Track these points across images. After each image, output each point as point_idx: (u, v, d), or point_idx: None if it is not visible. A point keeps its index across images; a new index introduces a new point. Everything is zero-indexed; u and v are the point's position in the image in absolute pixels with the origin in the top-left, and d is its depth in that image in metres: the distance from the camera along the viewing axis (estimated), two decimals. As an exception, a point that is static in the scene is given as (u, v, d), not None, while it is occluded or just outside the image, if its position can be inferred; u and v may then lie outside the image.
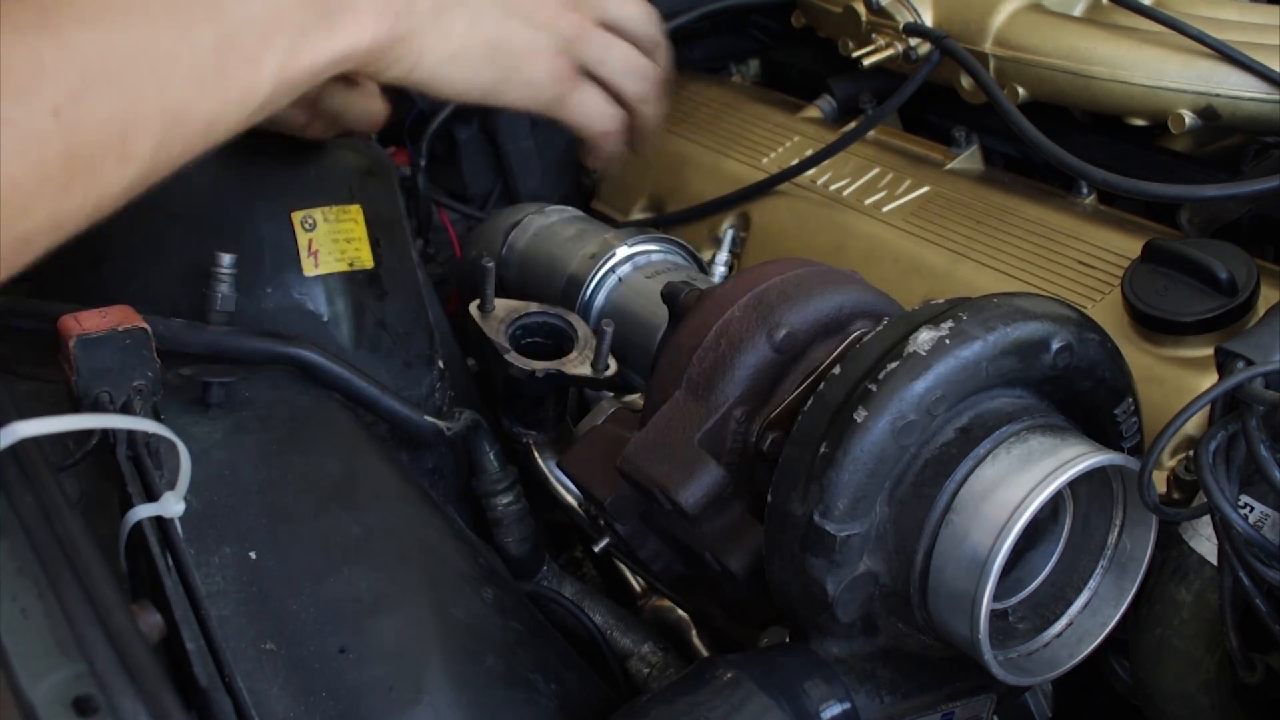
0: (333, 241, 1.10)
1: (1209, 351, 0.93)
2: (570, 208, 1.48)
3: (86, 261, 1.01)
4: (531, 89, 0.89)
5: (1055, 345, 0.82)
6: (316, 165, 1.11)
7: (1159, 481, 0.97)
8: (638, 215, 1.59)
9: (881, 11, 1.42)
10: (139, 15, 0.60)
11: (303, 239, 1.08)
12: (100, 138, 0.58)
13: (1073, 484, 0.82)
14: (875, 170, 1.42)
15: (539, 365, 1.17)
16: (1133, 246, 1.13)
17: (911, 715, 0.87)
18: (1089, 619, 0.87)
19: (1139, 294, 1.03)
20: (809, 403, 0.84)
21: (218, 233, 1.05)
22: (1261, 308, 1.01)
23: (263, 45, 0.66)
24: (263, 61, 0.66)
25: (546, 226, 1.41)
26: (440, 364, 1.19)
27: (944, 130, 1.46)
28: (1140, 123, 1.24)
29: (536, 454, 1.27)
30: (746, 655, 0.85)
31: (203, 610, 0.72)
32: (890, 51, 1.43)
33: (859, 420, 0.79)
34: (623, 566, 1.28)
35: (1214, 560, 0.84)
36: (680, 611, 1.19)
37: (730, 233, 1.46)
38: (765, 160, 1.52)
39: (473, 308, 1.19)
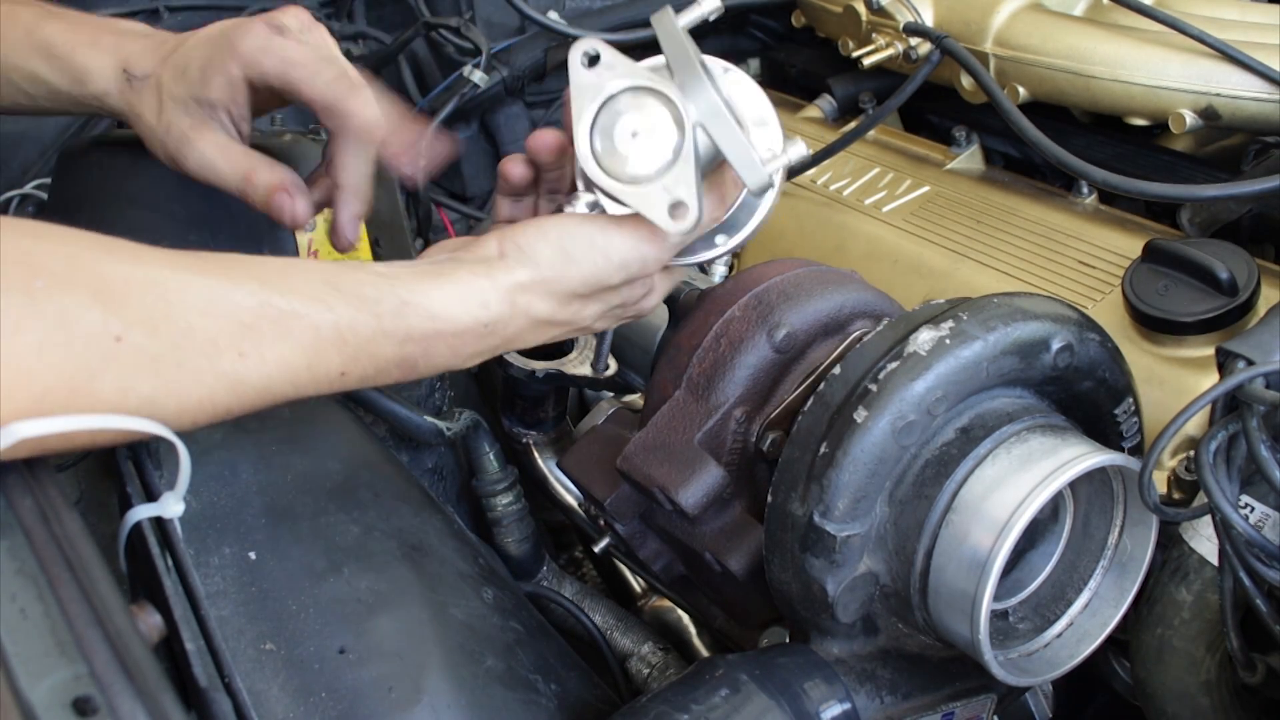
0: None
1: (1209, 351, 0.93)
2: (570, 208, 1.48)
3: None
4: None
5: (1055, 345, 0.82)
6: (316, 165, 1.10)
7: (1159, 481, 0.97)
8: (638, 215, 1.59)
9: (882, 11, 1.42)
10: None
11: (302, 239, 1.08)
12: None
13: (1073, 484, 0.82)
14: (875, 170, 1.42)
15: (539, 365, 1.17)
16: (1133, 246, 1.13)
17: (912, 715, 0.86)
18: (1089, 619, 0.87)
19: (1139, 294, 1.03)
20: (809, 403, 0.83)
21: (217, 233, 1.05)
22: (1262, 308, 1.01)
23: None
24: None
25: (546, 226, 1.41)
26: (440, 364, 1.18)
27: (944, 130, 1.46)
28: (1141, 122, 1.24)
29: (536, 454, 1.27)
30: (746, 655, 0.85)
31: (202, 611, 0.71)
32: (890, 51, 1.43)
33: (859, 420, 0.79)
34: (623, 566, 1.28)
35: (1214, 560, 0.84)
36: (680, 612, 1.19)
37: (730, 233, 1.45)
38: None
39: (473, 308, 1.19)
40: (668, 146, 0.80)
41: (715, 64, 0.84)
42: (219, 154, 0.93)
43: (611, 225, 0.82)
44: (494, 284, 0.80)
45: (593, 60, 0.81)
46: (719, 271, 1.42)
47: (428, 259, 0.84)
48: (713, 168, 0.84)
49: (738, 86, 0.86)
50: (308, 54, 0.91)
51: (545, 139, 0.89)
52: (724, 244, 0.89)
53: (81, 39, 0.94)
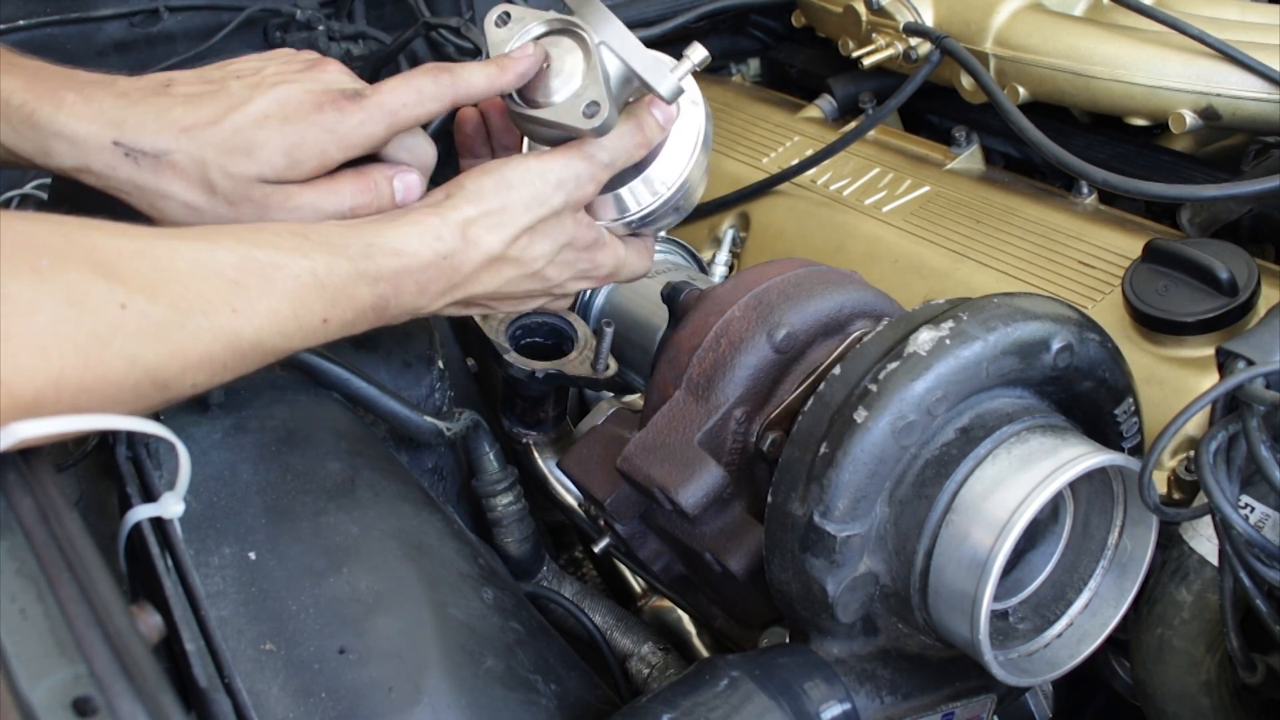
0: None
1: (1209, 351, 0.93)
2: (570, 208, 1.48)
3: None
4: None
5: (1056, 345, 0.82)
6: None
7: (1159, 482, 0.97)
8: (638, 215, 1.59)
9: (882, 11, 1.42)
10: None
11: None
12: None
13: (1073, 484, 0.82)
14: (875, 170, 1.42)
15: (539, 365, 1.17)
16: (1133, 246, 1.13)
17: (912, 715, 0.86)
18: (1089, 619, 0.87)
19: (1140, 294, 1.03)
20: (809, 403, 0.83)
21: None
22: (1262, 308, 1.01)
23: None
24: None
25: (546, 226, 1.41)
26: (440, 364, 1.18)
27: (944, 130, 1.46)
28: (1141, 122, 1.24)
29: (536, 454, 1.27)
30: (746, 655, 0.85)
31: (202, 611, 0.71)
32: (890, 51, 1.43)
33: (859, 420, 0.79)
34: (623, 566, 1.28)
35: (1214, 560, 0.84)
36: (680, 612, 1.19)
37: (730, 233, 1.46)
38: (765, 160, 1.52)
39: (473, 308, 1.19)
40: (579, 70, 0.89)
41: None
42: (315, 198, 0.88)
43: (544, 152, 0.91)
44: (443, 220, 0.86)
45: (505, 21, 0.91)
46: (719, 272, 1.42)
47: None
48: (627, 93, 0.91)
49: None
50: (400, 90, 0.89)
51: (496, 100, 0.98)
52: (665, 191, 0.97)
53: (42, 96, 0.83)
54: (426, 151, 0.96)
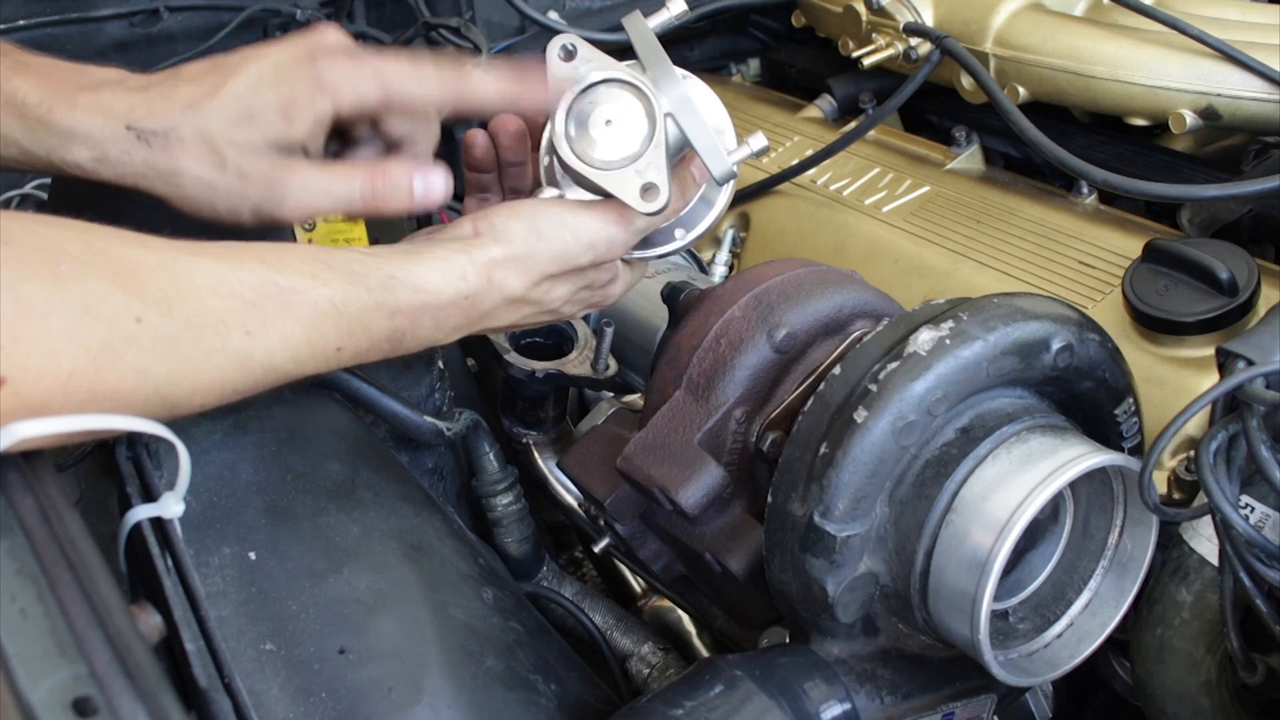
0: (332, 241, 1.10)
1: (1209, 351, 0.93)
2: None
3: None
4: None
5: (1056, 345, 0.82)
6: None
7: (1159, 482, 0.97)
8: (638, 215, 1.59)
9: (882, 11, 1.42)
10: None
11: (301, 239, 1.08)
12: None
13: (1073, 484, 0.82)
14: (875, 170, 1.42)
15: (539, 365, 1.17)
16: (1133, 246, 1.13)
17: (912, 715, 0.86)
18: (1089, 619, 0.87)
19: (1140, 294, 1.03)
20: (809, 403, 0.83)
21: (216, 233, 1.05)
22: (1262, 308, 1.01)
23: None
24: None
25: (546, 226, 1.41)
26: (440, 364, 1.18)
27: (944, 130, 1.46)
28: (1141, 122, 1.24)
29: (536, 454, 1.27)
30: (746, 656, 0.85)
31: (202, 611, 0.71)
32: (890, 51, 1.43)
33: (859, 420, 0.79)
34: (623, 566, 1.28)
35: (1214, 560, 0.84)
36: (680, 612, 1.19)
37: (730, 233, 1.46)
38: (765, 160, 1.52)
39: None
40: (638, 135, 0.85)
41: (676, 70, 0.88)
42: (325, 180, 0.87)
43: (580, 207, 0.88)
44: (470, 259, 0.84)
45: (569, 54, 0.87)
46: (719, 272, 1.42)
47: (407, 242, 0.88)
48: (675, 160, 0.89)
49: (697, 92, 0.91)
50: (402, 63, 0.88)
51: (505, 121, 0.96)
52: (682, 238, 0.95)
53: (57, 97, 0.84)
54: (430, 134, 0.93)
